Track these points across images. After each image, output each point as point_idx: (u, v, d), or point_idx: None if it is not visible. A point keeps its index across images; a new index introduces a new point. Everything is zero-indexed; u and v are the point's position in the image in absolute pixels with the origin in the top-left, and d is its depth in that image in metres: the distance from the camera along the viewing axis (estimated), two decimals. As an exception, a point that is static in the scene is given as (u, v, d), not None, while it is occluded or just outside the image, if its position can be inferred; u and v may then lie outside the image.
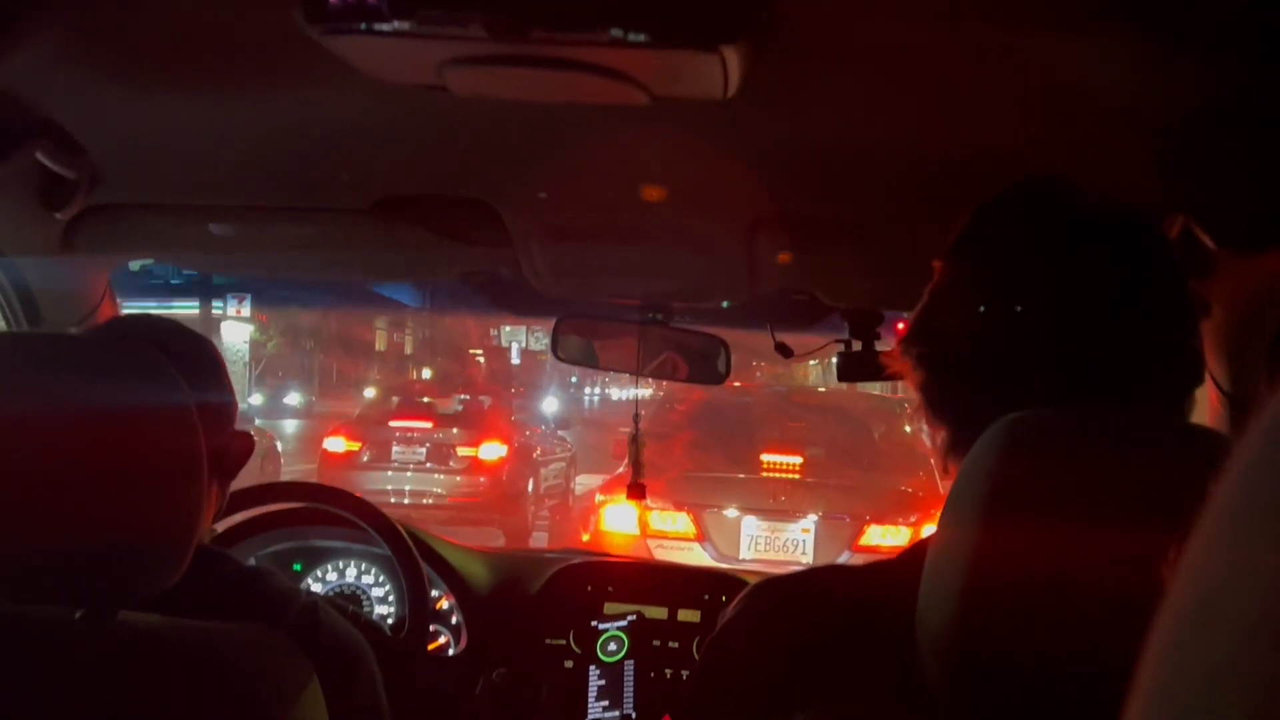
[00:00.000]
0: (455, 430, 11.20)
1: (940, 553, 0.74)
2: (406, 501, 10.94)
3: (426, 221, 1.71)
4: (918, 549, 0.93)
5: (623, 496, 4.28)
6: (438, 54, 1.04)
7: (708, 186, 1.50)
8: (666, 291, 2.02)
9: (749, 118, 1.24)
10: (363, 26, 0.97)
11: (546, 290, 1.94)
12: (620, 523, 6.46)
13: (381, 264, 1.94)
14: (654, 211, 1.62)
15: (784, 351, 2.13)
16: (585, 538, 6.76)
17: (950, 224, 1.04)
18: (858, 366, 2.06)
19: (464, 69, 1.05)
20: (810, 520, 6.62)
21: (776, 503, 6.76)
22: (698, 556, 6.52)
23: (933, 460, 1.05)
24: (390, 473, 11.08)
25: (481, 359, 26.86)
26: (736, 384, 11.08)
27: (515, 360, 26.91)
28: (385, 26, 0.97)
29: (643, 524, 6.44)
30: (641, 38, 0.98)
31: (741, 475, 7.02)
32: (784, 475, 7.11)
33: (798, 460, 7.26)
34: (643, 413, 7.29)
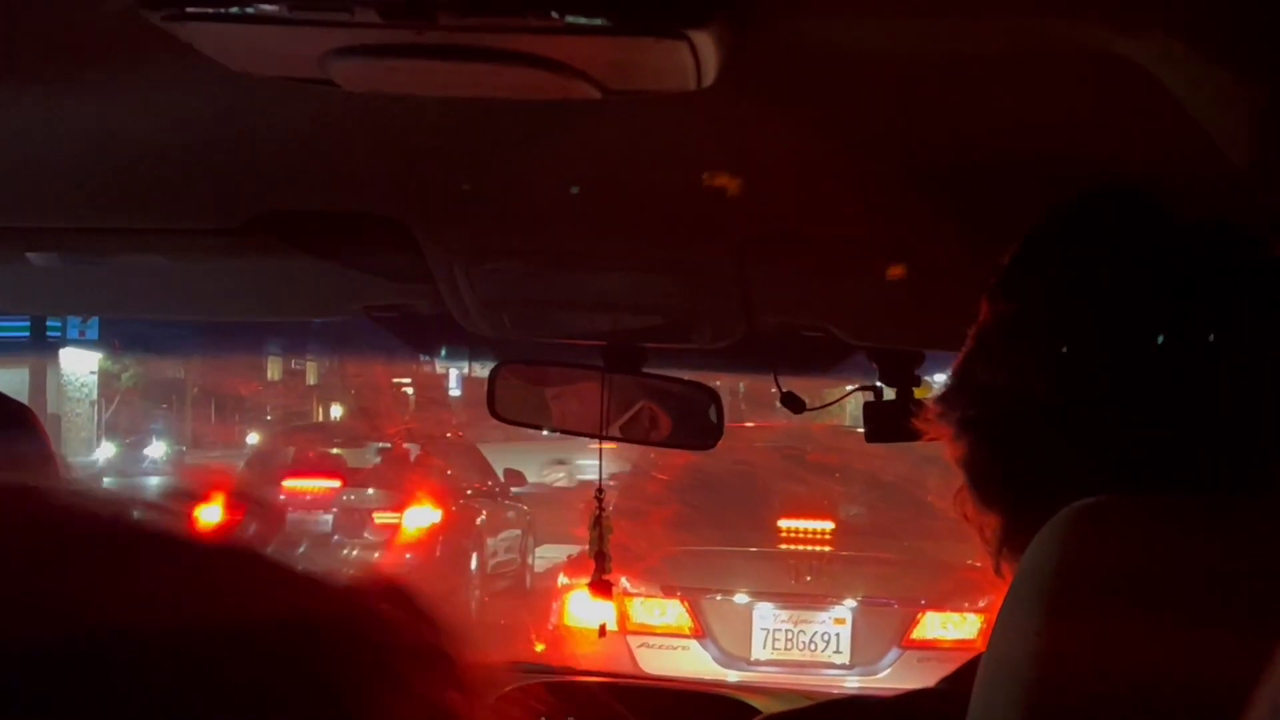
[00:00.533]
0: (372, 490, 11.33)
1: (996, 670, 0.74)
2: (306, 587, 11.17)
3: (316, 245, 1.72)
4: (963, 674, 0.93)
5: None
6: (319, 43, 1.04)
7: (684, 196, 1.51)
8: (638, 329, 2.03)
9: (730, 112, 1.25)
10: (210, 11, 0.98)
11: (477, 328, 1.96)
12: (591, 615, 6.44)
13: (257, 299, 1.95)
14: (617, 229, 1.64)
15: (793, 405, 2.14)
16: (540, 646, 6.73)
17: (998, 246, 1.05)
18: (891, 423, 2.08)
19: (353, 61, 1.05)
20: (846, 607, 6.56)
21: (800, 584, 6.74)
22: (696, 659, 6.50)
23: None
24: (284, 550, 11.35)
25: (410, 390, 26.80)
26: (749, 423, 11.12)
27: (455, 391, 26.87)
28: (241, 10, 0.98)
29: (622, 616, 6.43)
30: (583, 22, 0.99)
31: (752, 548, 7.00)
32: (810, 546, 7.09)
33: (828, 526, 7.23)
34: (613, 484, 7.30)
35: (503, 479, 13.35)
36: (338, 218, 1.66)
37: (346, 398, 25.29)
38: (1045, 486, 0.92)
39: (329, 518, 11.09)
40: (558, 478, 18.28)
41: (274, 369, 27.70)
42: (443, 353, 2.23)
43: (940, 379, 2.08)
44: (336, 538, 11.07)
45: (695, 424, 2.25)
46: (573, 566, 7.21)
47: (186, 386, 26.40)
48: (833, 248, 1.67)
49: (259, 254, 1.74)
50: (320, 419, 26.80)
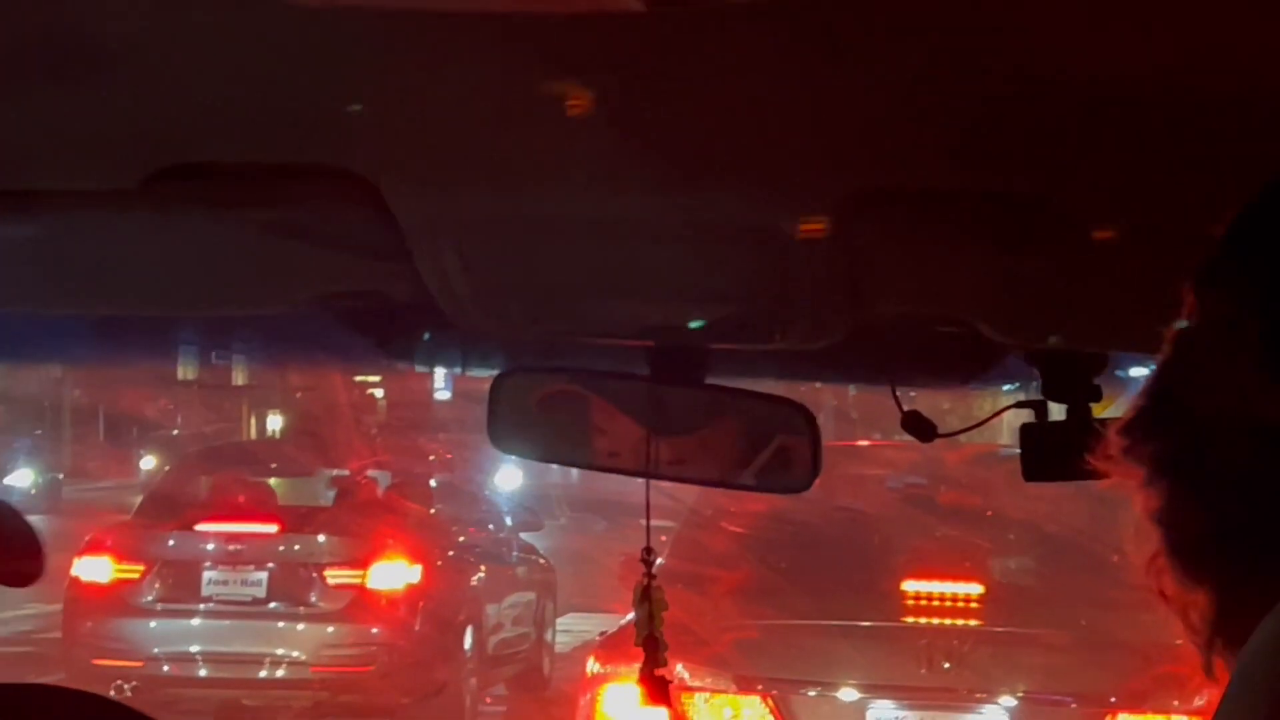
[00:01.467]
0: (323, 539, 11.27)
1: None
2: (226, 675, 11.00)
3: (247, 210, 1.75)
4: None
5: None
6: None
7: (758, 136, 1.53)
8: (698, 324, 2.06)
9: (817, 20, 1.28)
10: None
11: (472, 323, 1.98)
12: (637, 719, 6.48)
13: (165, 286, 1.98)
14: (666, 184, 1.66)
15: (919, 430, 2.16)
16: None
17: (1209, 211, 1.07)
18: (1057, 454, 2.09)
19: None
20: (1002, 708, 6.59)
21: (934, 673, 6.74)
22: (785, 782, 6.52)
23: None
24: (197, 622, 11.10)
25: (379, 395, 26.90)
26: (864, 441, 11.04)
27: (441, 395, 26.96)
28: None
29: (679, 720, 6.45)
30: None
31: (864, 622, 7.01)
32: (947, 620, 7.07)
33: (973, 591, 7.22)
34: (664, 539, 7.26)
35: (510, 522, 13.40)
36: (278, 172, 1.68)
37: (290, 405, 25.39)
38: (1276, 553, 0.94)
39: (260, 578, 11.10)
40: (596, 524, 18.37)
41: (186, 367, 27.81)
42: (425, 357, 2.26)
43: (1129, 393, 2.09)
44: (272, 606, 11.07)
45: (780, 456, 2.26)
46: (609, 647, 7.21)
47: (65, 394, 26.61)
48: (975, 209, 1.69)
49: (167, 221, 1.76)
50: (252, 435, 26.95)
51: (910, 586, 7.33)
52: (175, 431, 26.29)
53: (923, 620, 7.23)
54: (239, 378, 29.55)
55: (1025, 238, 1.70)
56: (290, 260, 1.90)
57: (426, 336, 2.38)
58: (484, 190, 1.71)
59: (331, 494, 12.53)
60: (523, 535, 13.34)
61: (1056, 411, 2.17)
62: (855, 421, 17.27)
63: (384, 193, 1.69)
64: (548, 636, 13.03)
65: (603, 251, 1.86)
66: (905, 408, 2.20)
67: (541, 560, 13.30)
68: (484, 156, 1.63)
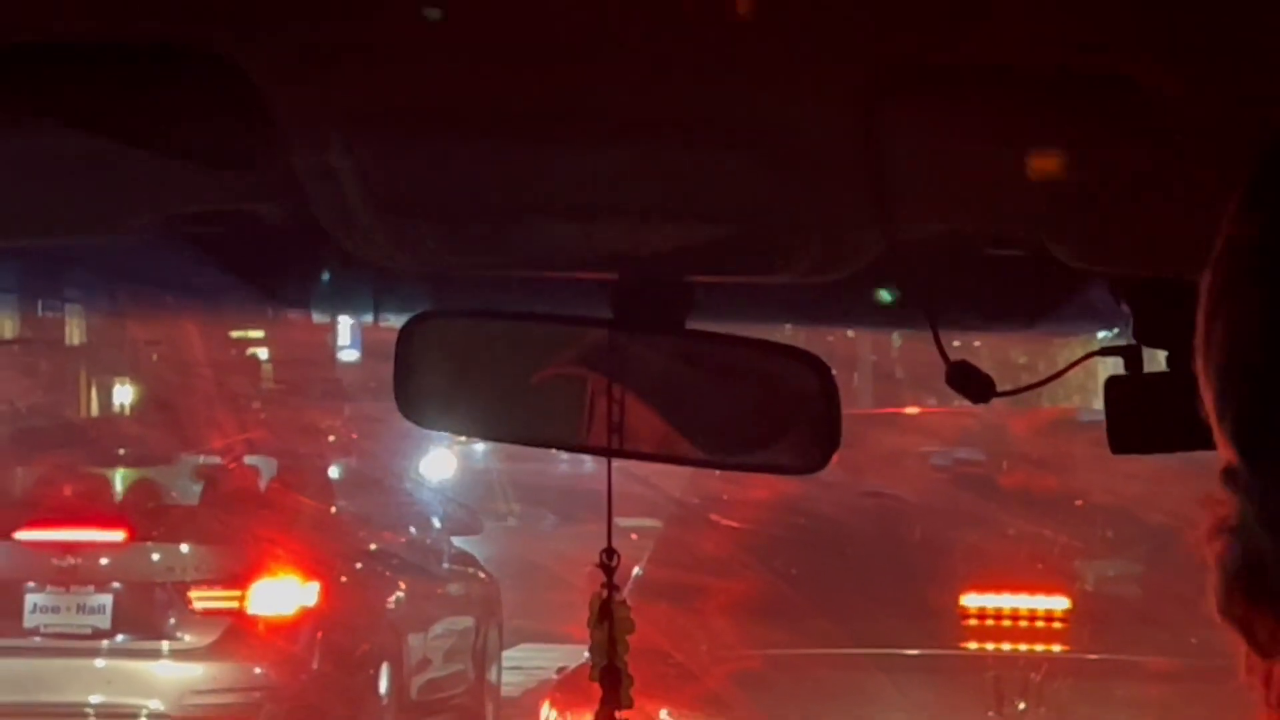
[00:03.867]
0: (186, 549, 11.39)
1: None
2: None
3: (74, 103, 1.76)
4: None
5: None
6: None
7: None
8: (677, 250, 2.08)
9: None
10: None
11: (372, 254, 2.01)
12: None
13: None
14: (631, 61, 1.68)
15: (970, 387, 2.19)
16: None
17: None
18: (1155, 416, 2.13)
19: None
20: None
21: (1004, 717, 6.78)
22: None
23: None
24: (18, 663, 11.17)
25: (262, 355, 26.84)
26: (912, 410, 11.03)
27: (346, 354, 26.86)
28: None
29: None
30: None
31: (908, 650, 7.06)
32: (1021, 645, 7.12)
33: (1056, 605, 7.26)
34: (636, 537, 7.21)
35: (439, 523, 13.40)
36: (114, 52, 1.70)
37: (143, 372, 25.35)
38: None
39: (102, 603, 11.16)
40: (545, 519, 18.39)
41: (2, 322, 27.80)
42: (321, 303, 2.28)
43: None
44: (118, 640, 11.13)
45: (787, 427, 2.29)
46: (568, 688, 7.26)
47: None
48: (1042, 90, 1.70)
49: None
50: (93, 411, 26.91)
51: (971, 601, 7.37)
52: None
53: (988, 646, 7.28)
54: (73, 335, 29.55)
55: (1109, 127, 1.71)
56: (129, 170, 1.91)
57: (326, 277, 2.39)
58: (383, 69, 1.72)
59: (197, 489, 12.52)
60: (456, 540, 13.36)
61: (1153, 363, 2.19)
62: (901, 382, 17.31)
63: (253, 78, 1.70)
64: (490, 675, 13.10)
65: (549, 152, 1.87)
66: (949, 358, 2.20)
67: (482, 574, 13.37)
68: (385, 22, 1.64)
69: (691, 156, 1.87)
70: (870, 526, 7.63)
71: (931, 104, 1.73)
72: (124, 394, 26.64)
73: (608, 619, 2.31)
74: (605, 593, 2.32)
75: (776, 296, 2.31)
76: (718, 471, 2.05)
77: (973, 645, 7.33)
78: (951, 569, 7.51)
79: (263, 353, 26.98)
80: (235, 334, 26.42)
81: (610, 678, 2.30)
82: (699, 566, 7.49)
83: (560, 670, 8.02)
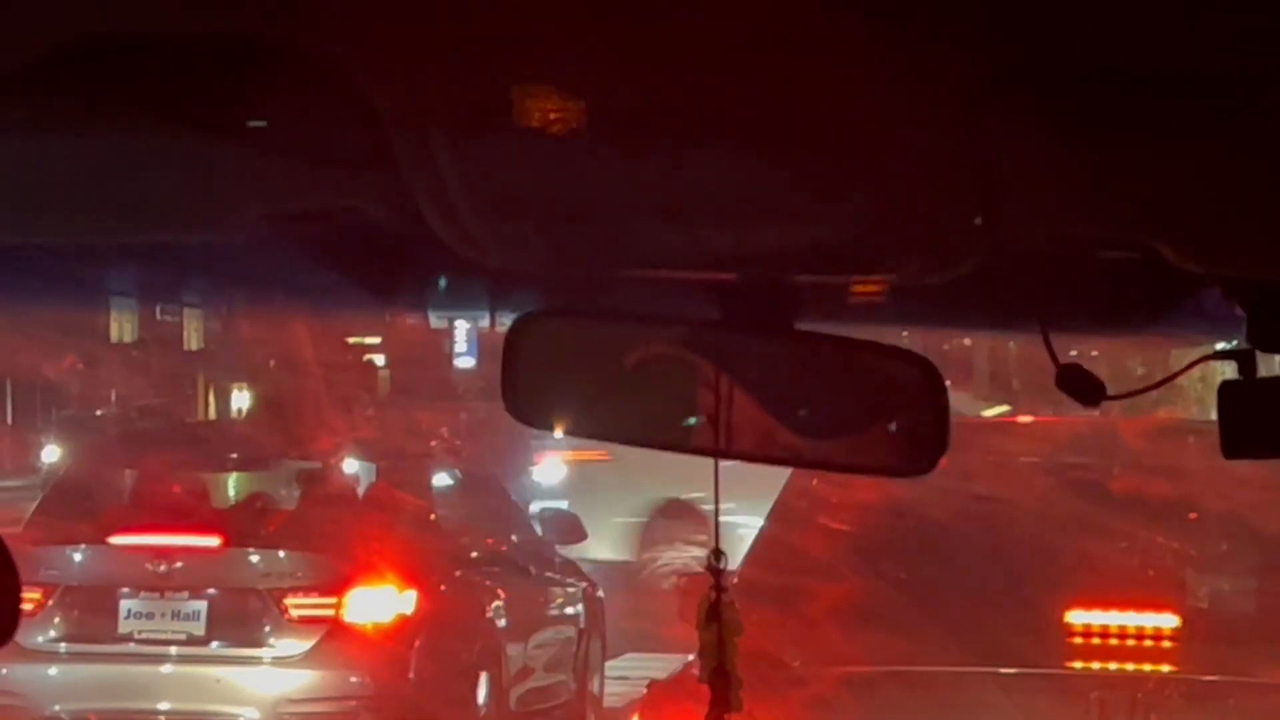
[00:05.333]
0: (283, 555, 11.39)
1: None
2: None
3: (175, 102, 1.78)
4: None
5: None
6: None
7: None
8: (785, 252, 2.08)
9: None
10: None
11: (478, 254, 2.01)
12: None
13: (66, 203, 2.01)
14: (740, 61, 1.69)
15: (1079, 389, 2.18)
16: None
17: None
18: (1270, 418, 2.12)
19: None
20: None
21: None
22: None
23: None
24: (112, 669, 11.21)
25: (379, 361, 26.90)
26: (1025, 418, 10.84)
27: (463, 361, 26.91)
28: None
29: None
30: None
31: (1011, 670, 6.99)
32: (1129, 664, 7.04)
33: (1165, 624, 7.17)
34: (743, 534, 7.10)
35: (541, 530, 13.34)
36: (212, 49, 1.72)
37: (258, 377, 25.41)
38: None
39: (198, 609, 11.12)
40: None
41: (123, 325, 27.82)
42: (437, 305, 2.30)
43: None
44: (213, 647, 11.09)
45: (895, 428, 2.29)
46: (660, 699, 7.25)
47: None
48: (1155, 93, 1.71)
49: (65, 114, 1.79)
50: (210, 415, 27.03)
51: (1077, 617, 7.30)
52: (99, 412, 26.35)
53: (1094, 665, 7.21)
54: (191, 339, 29.58)
55: (1222, 130, 1.71)
56: (237, 166, 1.93)
57: (441, 280, 2.40)
58: (488, 70, 1.73)
59: (297, 494, 12.51)
60: (560, 549, 13.32)
61: (1268, 366, 2.18)
62: (1019, 393, 17.17)
63: (357, 77, 1.71)
64: (593, 686, 13.04)
65: (658, 155, 1.88)
66: (1059, 359, 2.19)
67: (583, 584, 13.28)
68: (490, 26, 1.65)
69: (799, 158, 1.88)
70: (978, 532, 7.56)
71: (1040, 105, 1.73)
72: (241, 399, 26.82)
73: (716, 621, 2.31)
74: (714, 594, 2.33)
75: (885, 299, 2.31)
76: (827, 470, 2.06)
77: (1078, 664, 7.25)
78: (1060, 578, 7.43)
79: (380, 360, 27.16)
80: (354, 340, 26.52)
81: (720, 680, 2.30)
82: (803, 566, 7.43)
83: (650, 684, 7.95)
